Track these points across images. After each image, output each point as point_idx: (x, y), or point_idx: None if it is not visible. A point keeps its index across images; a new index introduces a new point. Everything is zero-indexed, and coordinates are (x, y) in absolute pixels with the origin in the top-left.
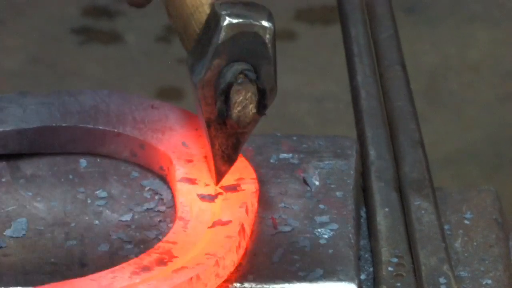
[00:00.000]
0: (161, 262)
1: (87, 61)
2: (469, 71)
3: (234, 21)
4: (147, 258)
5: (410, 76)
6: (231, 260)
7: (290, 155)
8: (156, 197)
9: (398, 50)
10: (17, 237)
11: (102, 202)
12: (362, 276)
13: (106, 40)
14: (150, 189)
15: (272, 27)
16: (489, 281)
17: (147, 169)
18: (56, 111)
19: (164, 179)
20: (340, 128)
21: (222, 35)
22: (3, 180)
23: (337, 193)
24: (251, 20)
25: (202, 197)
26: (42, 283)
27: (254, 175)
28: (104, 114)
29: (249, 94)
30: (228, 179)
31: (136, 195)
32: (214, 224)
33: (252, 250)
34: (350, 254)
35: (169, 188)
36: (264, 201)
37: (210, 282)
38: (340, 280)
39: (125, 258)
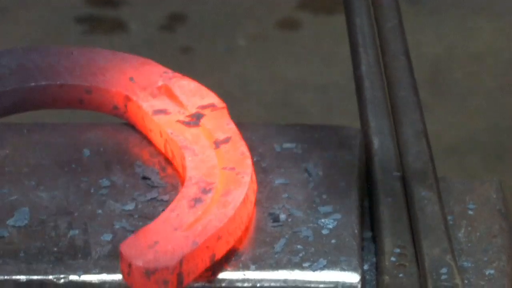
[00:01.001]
0: (205, 191)
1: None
2: (472, 61)
3: None
4: (189, 193)
5: (414, 66)
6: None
7: (294, 144)
8: (159, 186)
9: (403, 40)
10: (19, 226)
11: (105, 191)
12: (365, 266)
13: (110, 29)
14: (151, 179)
15: None
16: (492, 271)
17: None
18: None
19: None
20: (344, 118)
21: None
22: (6, 169)
23: (341, 183)
24: None
25: (187, 124)
26: (45, 272)
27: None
28: (36, 69)
29: None
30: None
31: (139, 184)
32: (217, 145)
33: (254, 240)
34: (354, 244)
35: (167, 162)
36: (267, 191)
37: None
38: (343, 270)
39: None
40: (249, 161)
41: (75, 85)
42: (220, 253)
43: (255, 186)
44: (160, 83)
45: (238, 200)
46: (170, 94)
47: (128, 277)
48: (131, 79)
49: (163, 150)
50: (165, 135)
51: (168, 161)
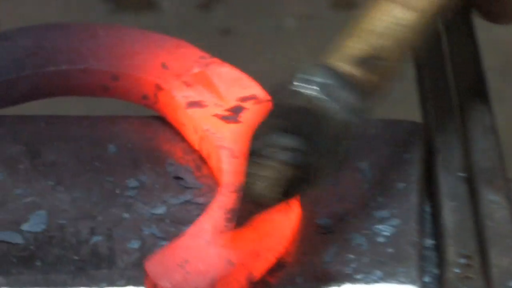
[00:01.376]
0: None
1: None
2: None
3: (296, 86)
4: (224, 202)
5: (483, 50)
6: None
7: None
8: (194, 187)
9: (469, 22)
10: (36, 232)
11: (132, 192)
12: (426, 279)
13: (138, 8)
14: (184, 179)
15: (335, 107)
16: None
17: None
18: (5, 61)
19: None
20: (403, 110)
21: (280, 97)
22: (21, 167)
23: (398, 185)
24: (314, 93)
25: (225, 119)
26: (65, 283)
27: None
28: (56, 51)
29: (262, 172)
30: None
31: (171, 185)
32: None
33: (301, 249)
34: (413, 253)
35: (202, 161)
36: (316, 193)
37: None
38: (401, 282)
39: None
40: None
41: (100, 70)
42: (259, 272)
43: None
44: (196, 70)
45: (279, 212)
46: (207, 83)
47: None
48: (163, 64)
49: (197, 148)
50: (200, 131)
51: (204, 159)
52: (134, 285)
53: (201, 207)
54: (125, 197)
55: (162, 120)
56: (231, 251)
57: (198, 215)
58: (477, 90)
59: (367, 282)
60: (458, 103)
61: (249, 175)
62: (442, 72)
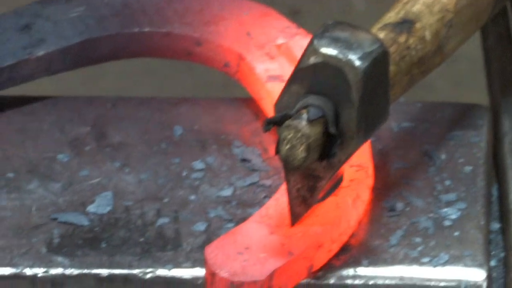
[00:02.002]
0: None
1: None
2: None
3: (319, 49)
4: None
5: None
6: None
7: (413, 124)
8: (261, 169)
9: None
10: (101, 214)
11: (199, 174)
12: (493, 262)
13: None
14: (251, 161)
15: (363, 67)
16: None
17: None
18: (90, 19)
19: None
20: (472, 94)
21: (303, 61)
22: (87, 148)
23: (466, 168)
24: (338, 53)
25: None
26: (130, 266)
27: None
28: (141, 12)
29: (299, 134)
30: None
31: (238, 167)
32: None
33: (367, 231)
34: (479, 237)
35: (269, 143)
36: (383, 176)
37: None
38: (467, 266)
39: None
40: (367, 153)
41: (184, 35)
42: (319, 263)
43: (371, 181)
44: (280, 41)
45: (347, 202)
46: (290, 55)
47: (211, 286)
48: (247, 33)
49: None
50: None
51: (271, 142)
52: (200, 267)
53: (268, 190)
54: (192, 179)
55: (229, 102)
56: (294, 241)
57: (265, 197)
58: None
59: (433, 265)
60: None
61: (284, 141)
62: (510, 55)
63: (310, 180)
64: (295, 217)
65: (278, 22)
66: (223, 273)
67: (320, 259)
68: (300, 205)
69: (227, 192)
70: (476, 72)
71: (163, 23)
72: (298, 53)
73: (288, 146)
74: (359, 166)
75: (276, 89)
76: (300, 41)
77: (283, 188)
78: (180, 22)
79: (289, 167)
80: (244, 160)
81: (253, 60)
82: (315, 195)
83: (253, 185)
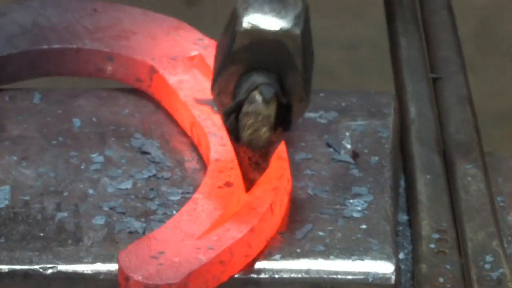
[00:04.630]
0: (227, 192)
1: None
2: None
3: (251, 26)
4: (208, 192)
5: (458, 18)
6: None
7: (318, 113)
8: (161, 162)
9: None
10: None
11: (98, 167)
12: (401, 255)
13: None
14: (151, 153)
15: (299, 32)
16: None
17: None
18: None
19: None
20: (376, 81)
21: (237, 42)
22: None
23: (372, 158)
24: (271, 26)
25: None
26: (30, 261)
27: None
28: (51, 29)
29: (260, 117)
30: None
31: (137, 159)
32: None
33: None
34: (387, 229)
35: (170, 135)
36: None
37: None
38: (375, 258)
39: (125, 232)
40: (284, 154)
41: (94, 50)
42: (237, 268)
43: (289, 186)
44: (192, 53)
45: (265, 206)
46: (203, 67)
47: None
48: (160, 47)
49: (189, 134)
50: (191, 117)
51: (172, 133)
52: (102, 262)
53: (168, 182)
54: (91, 172)
55: (129, 94)
56: (208, 245)
57: (164, 190)
58: (452, 60)
59: (340, 258)
60: (432, 74)
61: (246, 127)
62: (416, 42)
63: (266, 145)
64: (250, 183)
65: (190, 34)
66: (137, 277)
67: (238, 264)
68: (254, 171)
69: (126, 185)
70: (380, 59)
71: (73, 39)
72: (211, 64)
73: (250, 131)
74: (279, 170)
75: (189, 99)
76: (212, 52)
77: (198, 193)
78: (91, 38)
79: (252, 148)
80: (144, 153)
81: (165, 73)
82: (268, 159)
83: (153, 177)
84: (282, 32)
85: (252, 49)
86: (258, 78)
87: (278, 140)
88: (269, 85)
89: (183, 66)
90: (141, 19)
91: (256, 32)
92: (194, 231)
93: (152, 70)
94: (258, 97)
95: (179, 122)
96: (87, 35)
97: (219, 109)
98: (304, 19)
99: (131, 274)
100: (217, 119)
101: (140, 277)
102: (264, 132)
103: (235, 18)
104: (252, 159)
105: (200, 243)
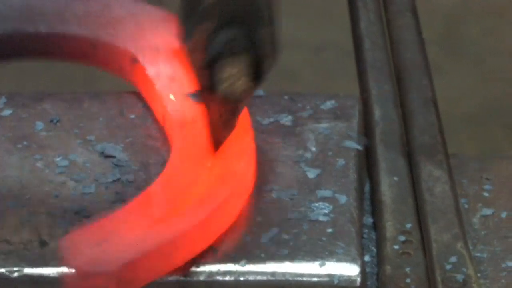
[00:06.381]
0: (183, 183)
1: None
2: (491, 15)
3: None
4: (165, 182)
5: (423, 21)
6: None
7: (282, 116)
8: (125, 165)
9: None
10: None
11: (62, 170)
12: (367, 257)
13: None
14: (116, 157)
15: None
16: None
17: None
18: None
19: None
20: (341, 83)
21: None
22: None
23: (337, 161)
24: None
25: (194, 98)
26: None
27: None
28: (40, 13)
29: (236, 69)
30: None
31: (101, 163)
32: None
33: (238, 228)
34: (352, 231)
35: (134, 138)
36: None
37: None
38: (340, 261)
39: None
40: (251, 149)
41: (79, 37)
42: (183, 259)
43: (251, 181)
44: (176, 45)
45: (218, 200)
46: (183, 59)
47: (67, 276)
48: (143, 36)
49: (162, 124)
50: (164, 108)
51: (136, 136)
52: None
53: (132, 185)
54: (55, 176)
55: (93, 97)
56: (153, 236)
57: (129, 193)
58: (416, 62)
59: (306, 260)
60: (397, 76)
61: (222, 80)
62: (380, 44)
63: (233, 103)
64: (218, 143)
65: (176, 26)
66: (77, 263)
67: (185, 256)
68: (223, 130)
69: (90, 188)
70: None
71: (60, 24)
72: None
73: (227, 84)
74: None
75: (164, 91)
76: None
77: (153, 186)
78: (78, 24)
79: (230, 101)
80: (108, 156)
81: (145, 62)
82: (237, 116)
83: (117, 181)
84: None
85: (222, 5)
86: (230, 32)
87: (250, 94)
88: (242, 39)
89: (165, 58)
90: (131, 8)
91: None
92: (144, 220)
93: (134, 60)
94: (233, 50)
95: (154, 112)
96: (74, 22)
97: (193, 65)
98: None
99: (71, 260)
100: (189, 111)
101: (79, 263)
102: (241, 83)
103: None
104: (223, 116)
105: (147, 233)
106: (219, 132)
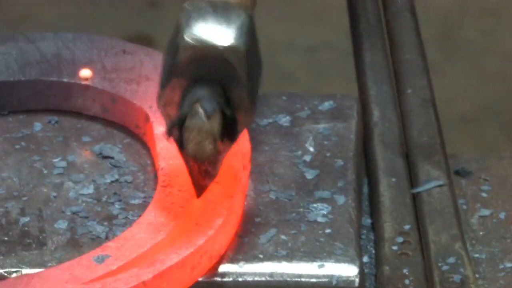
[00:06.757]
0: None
1: (43, 4)
2: (488, 17)
3: (193, 41)
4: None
5: (421, 22)
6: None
7: (280, 117)
8: (123, 166)
9: None
10: None
11: (61, 171)
12: (365, 258)
13: None
14: (114, 158)
15: (242, 46)
16: (510, 264)
17: (119, 128)
18: (14, 62)
19: (140, 139)
20: (339, 85)
21: (180, 55)
22: None
23: (336, 161)
24: (214, 41)
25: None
26: None
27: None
28: (69, 63)
29: (202, 131)
30: None
31: (100, 164)
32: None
33: (238, 229)
34: (351, 232)
35: (146, 148)
36: (251, 171)
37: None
38: (339, 261)
39: (87, 236)
40: (247, 150)
41: (101, 89)
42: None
43: (246, 181)
44: None
45: (168, 263)
46: None
47: None
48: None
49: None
50: (157, 166)
51: (134, 138)
52: None
53: (130, 186)
54: (54, 177)
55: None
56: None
57: (127, 194)
58: (415, 62)
59: (304, 261)
60: (395, 77)
61: (189, 141)
62: (379, 45)
63: (211, 156)
64: (200, 190)
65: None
66: None
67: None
68: (204, 179)
69: (88, 189)
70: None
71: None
72: None
73: (193, 144)
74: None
75: (163, 152)
76: None
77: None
78: (103, 77)
79: (198, 161)
80: (106, 157)
81: (156, 122)
82: (217, 167)
83: (115, 182)
84: (225, 47)
85: (195, 63)
86: (200, 92)
87: (226, 150)
88: (211, 99)
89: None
90: (160, 64)
91: (198, 47)
92: (83, 275)
93: (147, 118)
94: (200, 111)
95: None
96: (101, 74)
97: (165, 120)
98: (248, 31)
99: None
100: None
101: None
102: (208, 144)
103: (178, 31)
104: (201, 167)
105: None
106: (200, 180)
